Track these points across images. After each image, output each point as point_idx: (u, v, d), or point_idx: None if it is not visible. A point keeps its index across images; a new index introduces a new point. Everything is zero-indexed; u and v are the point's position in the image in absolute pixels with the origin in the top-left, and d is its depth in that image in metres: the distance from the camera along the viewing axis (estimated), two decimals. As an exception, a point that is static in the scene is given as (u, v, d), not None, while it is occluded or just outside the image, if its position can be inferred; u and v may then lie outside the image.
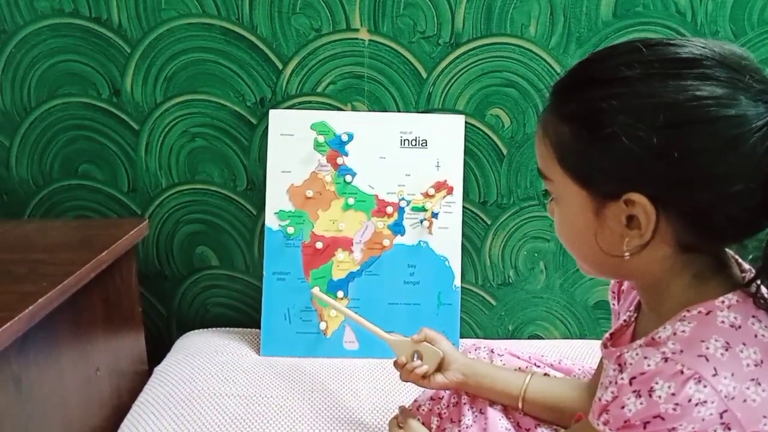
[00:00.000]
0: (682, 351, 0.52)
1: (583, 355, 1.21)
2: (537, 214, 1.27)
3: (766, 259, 0.53)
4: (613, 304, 0.75)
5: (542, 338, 1.34)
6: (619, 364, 0.57)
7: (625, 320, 0.67)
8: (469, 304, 1.31)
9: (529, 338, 1.34)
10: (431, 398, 0.88)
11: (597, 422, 0.56)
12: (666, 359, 0.52)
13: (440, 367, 0.85)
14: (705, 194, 0.52)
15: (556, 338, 1.34)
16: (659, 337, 0.54)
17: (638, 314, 0.67)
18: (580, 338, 1.34)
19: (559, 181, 0.58)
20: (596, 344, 1.25)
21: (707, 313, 0.53)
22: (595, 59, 0.57)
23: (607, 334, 0.68)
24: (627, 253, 0.55)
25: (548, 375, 0.85)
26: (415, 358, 0.87)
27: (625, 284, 0.73)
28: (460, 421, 0.83)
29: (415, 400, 0.90)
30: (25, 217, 1.28)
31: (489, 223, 1.28)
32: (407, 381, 0.87)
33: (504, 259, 1.30)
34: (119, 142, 1.25)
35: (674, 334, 0.53)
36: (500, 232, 1.28)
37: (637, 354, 0.55)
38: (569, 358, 1.17)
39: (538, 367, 0.88)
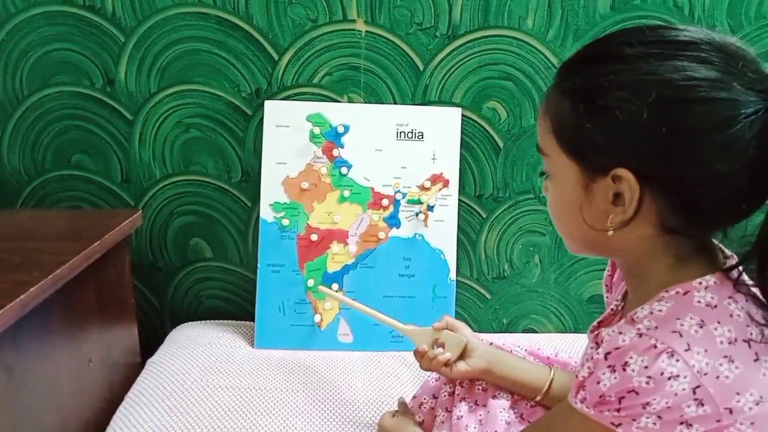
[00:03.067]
0: (656, 327, 0.52)
1: (577, 349, 1.21)
2: (533, 208, 1.27)
3: (757, 244, 0.53)
4: (606, 296, 0.76)
5: (536, 332, 1.34)
6: (596, 342, 0.58)
7: (612, 309, 0.69)
8: (464, 297, 1.31)
9: (523, 332, 1.34)
10: (433, 395, 0.87)
11: (574, 400, 0.57)
12: (640, 335, 0.52)
13: (462, 355, 0.84)
14: (690, 172, 0.53)
15: (550, 332, 1.34)
16: (637, 316, 0.55)
17: (624, 303, 0.68)
18: (575, 332, 1.34)
19: (554, 156, 0.60)
20: (590, 338, 1.28)
21: (685, 293, 0.54)
22: (601, 39, 0.59)
23: (594, 322, 0.70)
24: (610, 230, 0.57)
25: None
26: (435, 347, 0.85)
27: (616, 275, 0.74)
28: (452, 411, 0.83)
29: (415, 397, 0.89)
30: (18, 208, 1.26)
31: (485, 216, 1.27)
32: (428, 370, 0.85)
33: (499, 252, 1.29)
34: (113, 132, 1.23)
35: (651, 313, 0.54)
36: (496, 226, 1.28)
37: (613, 331, 0.55)
38: (564, 351, 1.18)
39: (535, 360, 0.87)
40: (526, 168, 1.25)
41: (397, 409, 0.90)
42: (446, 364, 0.83)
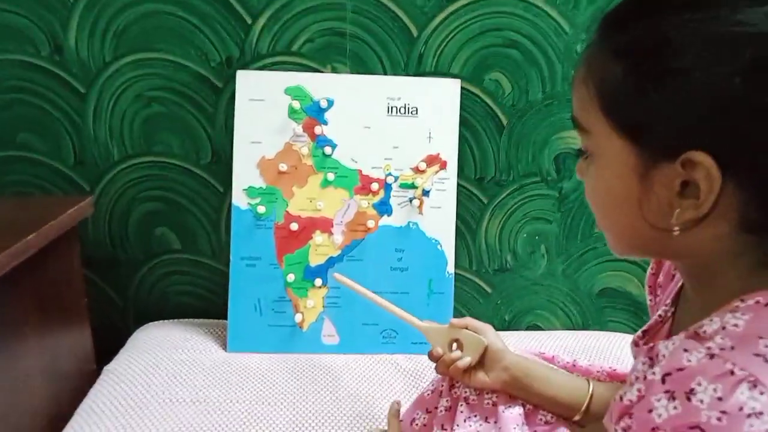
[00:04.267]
0: (733, 348, 0.42)
1: (589, 349, 1.11)
2: (539, 192, 1.17)
3: None
4: (650, 300, 0.65)
5: (542, 329, 1.24)
6: (650, 357, 0.47)
7: (660, 315, 0.58)
8: (463, 292, 1.21)
9: (527, 329, 1.24)
10: (427, 410, 0.76)
11: (615, 428, 0.46)
12: (712, 356, 0.42)
13: (483, 362, 0.74)
14: None
15: (557, 329, 1.24)
16: (704, 332, 0.44)
17: (676, 309, 0.57)
18: (583, 329, 1.25)
19: (599, 133, 0.48)
20: (601, 335, 1.18)
21: (767, 304, 0.43)
22: None
23: (639, 332, 0.59)
24: (676, 229, 0.45)
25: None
26: (453, 348, 0.76)
27: (662, 276, 0.63)
28: (452, 429, 0.72)
29: (407, 412, 0.78)
30: (-45, 194, 1.12)
31: (486, 202, 1.17)
32: (444, 375, 0.76)
33: (501, 242, 1.19)
34: (63, 107, 1.10)
35: (723, 328, 0.43)
36: (498, 213, 1.18)
37: (673, 344, 0.45)
38: (579, 352, 1.08)
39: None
40: (532, 148, 1.15)
41: (386, 428, 0.78)
42: (466, 369, 0.73)
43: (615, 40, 0.46)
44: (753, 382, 0.40)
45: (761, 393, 0.39)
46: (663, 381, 0.42)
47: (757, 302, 0.43)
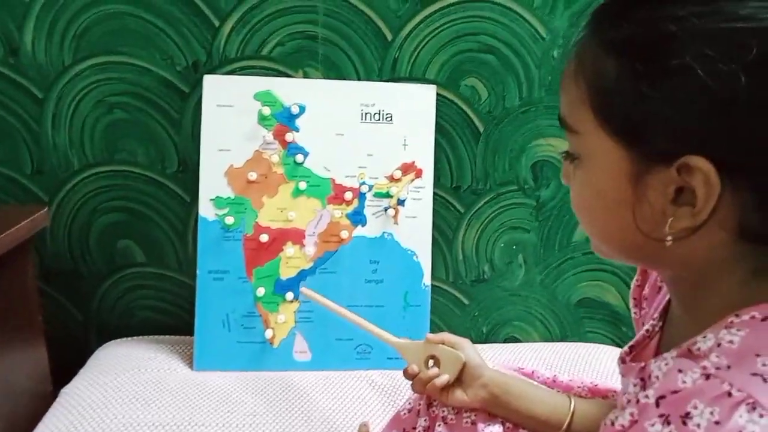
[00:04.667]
0: (729, 367, 0.40)
1: (568, 361, 1.09)
2: (516, 201, 1.15)
3: None
4: (635, 313, 0.63)
5: (520, 341, 1.21)
6: (642, 379, 0.45)
7: (647, 330, 0.55)
8: (439, 303, 1.17)
9: (505, 341, 1.21)
10: (404, 430, 0.73)
11: None
12: (708, 376, 0.39)
13: (461, 379, 0.71)
14: None
15: (535, 340, 1.22)
16: (698, 349, 0.42)
17: (664, 323, 0.54)
18: (561, 340, 1.23)
19: (588, 134, 0.45)
20: (580, 347, 1.15)
21: (763, 319, 0.41)
22: None
23: (626, 347, 0.56)
24: (669, 238, 0.42)
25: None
26: (430, 365, 0.72)
27: (647, 288, 0.61)
28: None
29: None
30: None
31: (462, 211, 1.14)
32: (421, 393, 0.72)
33: (479, 252, 1.16)
34: (19, 113, 1.04)
35: (718, 345, 0.41)
36: (475, 222, 1.15)
37: (666, 365, 0.43)
38: (555, 365, 1.05)
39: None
40: (509, 155, 1.12)
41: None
42: (443, 387, 0.70)
43: (609, 35, 0.43)
44: (752, 404, 0.37)
45: (761, 416, 0.37)
46: (657, 404, 0.40)
47: (753, 317, 0.41)
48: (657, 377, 0.43)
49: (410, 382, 0.73)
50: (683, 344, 0.43)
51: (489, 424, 0.69)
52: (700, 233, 0.41)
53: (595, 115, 0.44)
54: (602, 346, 1.16)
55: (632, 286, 0.62)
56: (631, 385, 0.47)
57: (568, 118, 0.47)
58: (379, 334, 0.76)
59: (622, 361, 0.54)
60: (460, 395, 0.70)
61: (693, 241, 0.42)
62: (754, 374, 0.38)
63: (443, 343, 0.72)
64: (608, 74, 0.42)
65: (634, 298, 0.62)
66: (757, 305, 0.41)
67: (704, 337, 0.42)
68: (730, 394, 0.38)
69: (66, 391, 0.94)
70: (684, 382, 0.40)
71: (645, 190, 0.43)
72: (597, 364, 1.07)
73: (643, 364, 0.46)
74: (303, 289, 0.81)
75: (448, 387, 0.70)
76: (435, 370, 0.71)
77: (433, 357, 0.72)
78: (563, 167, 0.51)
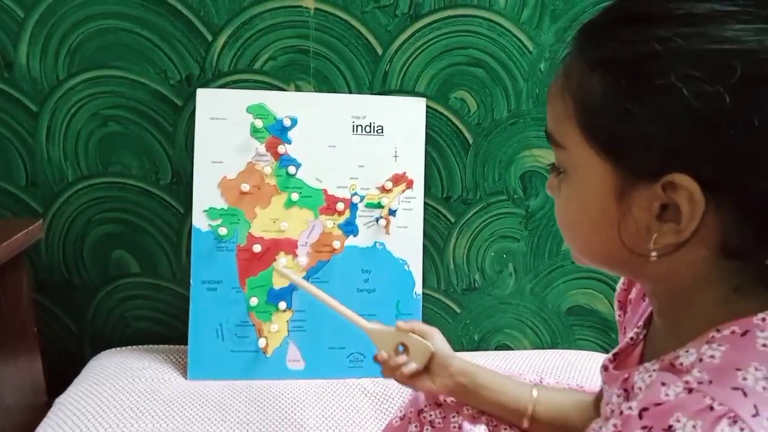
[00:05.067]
0: (711, 381, 0.40)
1: (558, 368, 1.10)
2: (506, 211, 1.16)
3: None
4: (619, 316, 0.63)
5: (511, 348, 1.22)
6: (626, 389, 0.46)
7: (632, 338, 0.55)
8: (431, 312, 1.18)
9: (496, 349, 1.22)
10: None
11: None
12: (690, 390, 0.40)
13: (429, 368, 0.72)
14: None
15: (526, 348, 1.22)
16: (680, 364, 0.42)
17: (648, 331, 0.55)
18: (552, 347, 1.24)
19: (574, 149, 0.45)
20: (570, 354, 1.17)
21: (743, 334, 0.41)
22: None
23: (609, 355, 0.56)
24: (654, 254, 0.43)
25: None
26: (401, 351, 0.73)
27: (633, 292, 0.61)
28: None
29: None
30: None
31: (453, 221, 1.15)
32: (390, 378, 0.74)
33: (469, 261, 1.17)
34: (14, 126, 1.05)
35: (700, 360, 0.41)
36: (465, 231, 1.16)
37: (650, 377, 0.43)
38: (545, 371, 1.06)
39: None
40: (498, 166, 1.13)
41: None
42: (411, 375, 0.72)
43: (595, 52, 0.43)
44: (733, 417, 0.38)
45: (741, 429, 0.37)
46: (640, 416, 0.40)
47: (733, 332, 0.41)
48: (640, 389, 0.43)
49: (396, 383, 0.73)
50: (665, 356, 0.44)
51: (474, 425, 0.70)
52: (683, 249, 0.42)
53: (581, 131, 0.44)
54: (592, 353, 1.16)
55: (618, 289, 0.62)
56: (615, 396, 0.47)
57: (555, 132, 0.47)
58: (350, 317, 0.76)
59: (604, 368, 0.55)
60: (428, 383, 0.71)
61: (676, 257, 0.43)
62: (735, 388, 0.39)
63: (413, 332, 0.73)
64: (594, 91, 0.43)
65: (619, 301, 0.62)
66: (737, 320, 0.42)
67: (686, 351, 0.42)
68: (712, 408, 0.38)
69: (60, 401, 0.94)
70: (667, 395, 0.40)
71: (630, 205, 0.43)
72: (587, 370, 1.08)
73: (626, 374, 0.47)
74: (277, 267, 0.82)
75: (416, 375, 0.71)
76: (403, 358, 0.72)
77: (403, 344, 0.73)
78: (549, 180, 0.51)
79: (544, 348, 1.23)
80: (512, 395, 0.70)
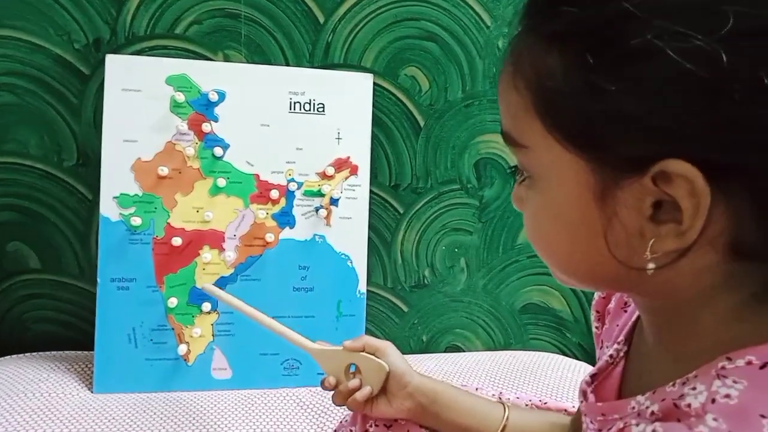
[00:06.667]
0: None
1: (512, 371, 1.04)
2: (459, 201, 1.08)
3: None
4: (596, 328, 0.56)
5: (462, 350, 1.15)
6: None
7: (611, 356, 0.48)
8: (376, 311, 1.10)
9: (446, 350, 1.15)
10: None
11: None
12: None
13: (386, 389, 0.65)
14: None
15: (477, 349, 1.16)
16: (688, 405, 0.34)
17: (629, 348, 0.47)
18: (505, 348, 1.18)
19: (538, 147, 0.37)
20: (524, 355, 1.09)
21: (763, 366, 0.33)
22: None
23: (587, 376, 0.48)
24: (651, 266, 0.35)
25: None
26: (352, 372, 0.66)
27: (613, 302, 0.53)
28: None
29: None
30: None
31: (401, 211, 1.07)
32: (342, 405, 0.65)
33: (419, 255, 1.09)
34: None
35: (713, 400, 0.33)
36: (414, 223, 1.08)
37: (653, 430, 0.34)
38: (501, 375, 1.00)
39: None
40: (451, 152, 1.05)
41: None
42: (366, 400, 0.64)
43: (548, 25, 0.35)
44: None
45: None
46: None
47: (750, 363, 0.33)
48: None
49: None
50: (664, 391, 0.36)
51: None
52: (687, 256, 0.34)
53: (543, 123, 0.36)
54: (546, 354, 1.11)
55: (596, 297, 0.55)
56: None
57: (512, 131, 0.38)
58: (291, 338, 0.67)
59: (583, 394, 0.47)
60: (384, 407, 0.64)
61: (678, 265, 0.34)
62: None
63: (364, 350, 0.65)
64: (553, 71, 0.34)
65: (597, 312, 0.54)
66: (753, 347, 0.34)
67: (693, 388, 0.34)
68: None
69: (-66, 423, 0.80)
70: None
71: (615, 208, 0.35)
72: (542, 375, 1.02)
73: (623, 424, 0.38)
74: (204, 285, 0.71)
75: (371, 399, 0.64)
76: (356, 382, 0.64)
77: (355, 367, 0.65)
78: (514, 190, 0.43)
79: (496, 349, 1.16)
80: (479, 417, 0.63)
